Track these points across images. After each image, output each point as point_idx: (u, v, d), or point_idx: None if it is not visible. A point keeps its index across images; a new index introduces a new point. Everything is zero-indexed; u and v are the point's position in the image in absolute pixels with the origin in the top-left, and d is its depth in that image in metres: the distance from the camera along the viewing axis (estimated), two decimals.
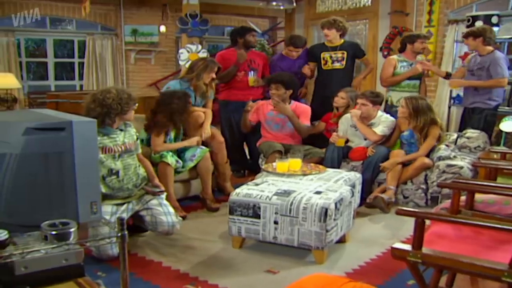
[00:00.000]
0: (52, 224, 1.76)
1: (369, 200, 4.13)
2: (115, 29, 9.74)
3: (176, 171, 3.97)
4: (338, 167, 4.34)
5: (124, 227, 1.87)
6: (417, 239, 1.97)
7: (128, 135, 3.14)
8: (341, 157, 4.46)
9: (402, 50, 5.03)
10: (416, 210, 2.06)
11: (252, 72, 5.09)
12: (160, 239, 3.33)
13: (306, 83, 5.51)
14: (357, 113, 4.46)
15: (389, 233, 3.53)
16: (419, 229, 1.97)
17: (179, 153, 4.13)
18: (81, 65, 9.67)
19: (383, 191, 4.14)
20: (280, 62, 5.25)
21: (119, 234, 1.85)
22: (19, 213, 1.81)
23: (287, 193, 3.05)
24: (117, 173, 3.01)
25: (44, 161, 1.83)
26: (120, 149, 3.05)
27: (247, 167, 5.36)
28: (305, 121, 4.69)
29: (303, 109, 4.74)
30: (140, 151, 3.31)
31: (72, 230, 1.76)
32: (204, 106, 4.56)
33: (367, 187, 4.21)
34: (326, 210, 2.89)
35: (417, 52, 4.97)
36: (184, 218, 3.78)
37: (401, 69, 4.94)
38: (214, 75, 4.45)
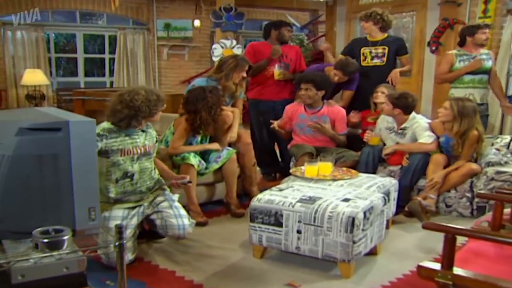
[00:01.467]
0: (45, 231, 1.74)
1: (407, 208, 3.99)
2: (147, 23, 9.85)
3: (199, 173, 3.94)
4: (374, 172, 4.21)
5: (122, 236, 1.82)
6: (447, 258, 1.84)
7: (149, 136, 3.13)
8: (377, 161, 4.32)
9: (461, 44, 4.82)
10: (446, 224, 1.93)
11: (277, 65, 5.00)
12: (176, 246, 3.30)
13: None
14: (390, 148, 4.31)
15: (426, 246, 3.37)
16: (449, 246, 1.84)
17: (203, 154, 4.10)
18: (112, 61, 9.82)
19: (423, 199, 3.98)
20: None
21: (117, 243, 1.81)
22: (11, 219, 1.80)
23: (312, 200, 2.96)
24: (132, 176, 3.00)
25: (38, 163, 1.81)
26: (139, 151, 3.03)
27: (278, 170, 5.29)
28: (341, 127, 4.60)
29: (338, 114, 4.62)
30: (155, 153, 3.30)
31: (65, 238, 1.73)
32: (233, 106, 4.52)
33: (405, 194, 4.06)
34: (353, 219, 2.78)
35: (479, 44, 4.74)
36: (205, 224, 3.77)
37: (460, 63, 4.73)
38: (244, 74, 4.40)
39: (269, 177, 5.25)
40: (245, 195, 4.34)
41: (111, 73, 9.88)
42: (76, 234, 1.87)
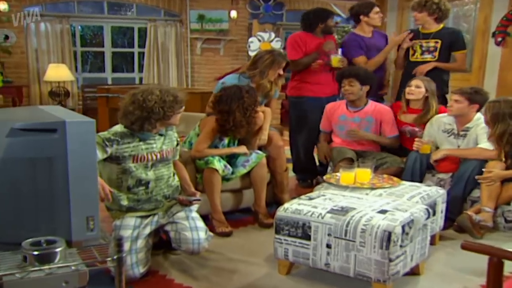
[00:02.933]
0: (37, 242, 1.74)
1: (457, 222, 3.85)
2: (179, 14, 9.93)
3: (225, 179, 3.91)
4: (420, 181, 4.08)
5: (122, 248, 1.81)
6: (492, 286, 1.72)
7: (167, 140, 3.10)
8: (424, 168, 4.18)
9: None
10: (490, 245, 1.81)
11: (340, 50, 4.94)
12: (195, 258, 3.28)
13: (387, 76, 5.26)
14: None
15: (478, 267, 3.20)
16: (494, 272, 1.72)
17: (230, 158, 4.08)
18: (142, 55, 9.94)
19: (477, 213, 3.83)
20: (351, 40, 5.06)
21: (115, 257, 1.79)
22: (0, 229, 1.80)
23: (344, 210, 2.88)
24: (146, 184, 2.98)
25: (31, 167, 1.82)
26: (154, 158, 3.00)
27: (316, 176, 5.22)
28: (389, 129, 4.51)
29: (385, 114, 4.51)
30: (177, 157, 3.28)
31: (58, 250, 1.73)
32: (266, 106, 4.49)
33: (456, 206, 3.91)
34: (390, 234, 2.68)
35: None
36: (229, 234, 3.75)
37: None
38: (281, 72, 4.36)
39: (304, 184, 5.20)
40: (275, 204, 4.28)
41: (141, 68, 10.01)
42: (72, 246, 1.85)
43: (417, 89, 4.42)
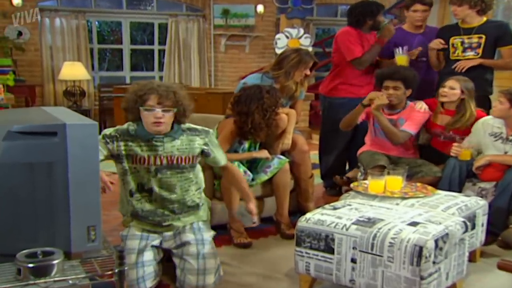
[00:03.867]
0: (33, 253, 1.74)
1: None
2: (202, 9, 9.98)
3: None
4: (459, 190, 3.99)
5: (123, 261, 1.80)
6: None
7: (185, 146, 2.95)
8: (464, 177, 4.09)
9: None
10: None
11: (401, 48, 4.82)
12: None
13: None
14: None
15: None
16: None
17: (251, 163, 4.07)
18: (162, 53, 10.01)
19: None
20: (396, 37, 4.99)
21: (117, 270, 1.78)
22: None
23: (370, 222, 2.84)
24: (149, 190, 2.92)
25: (29, 173, 1.82)
26: (159, 162, 2.88)
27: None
28: (408, 124, 4.41)
29: (414, 112, 4.44)
30: (222, 162, 3.19)
31: (55, 262, 1.73)
32: (291, 107, 4.47)
33: (499, 219, 3.80)
34: (421, 248, 2.63)
35: None
36: (248, 246, 3.74)
37: None
38: (308, 72, 4.33)
39: (332, 191, 5.17)
40: (299, 213, 4.25)
41: (161, 67, 10.09)
42: (72, 258, 1.86)
43: (451, 90, 4.31)
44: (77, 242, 1.87)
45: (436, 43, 4.76)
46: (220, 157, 3.16)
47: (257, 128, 3.86)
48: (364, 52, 4.86)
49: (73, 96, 8.94)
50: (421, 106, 4.45)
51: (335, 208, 3.10)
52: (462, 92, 4.29)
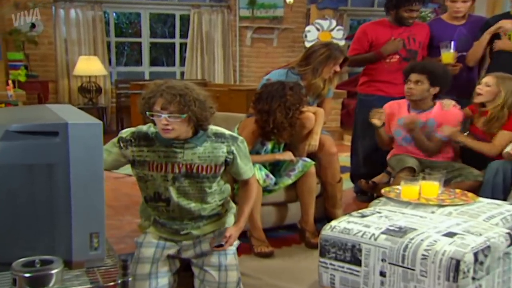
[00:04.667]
0: (30, 262, 1.74)
1: None
2: (227, 0, 9.98)
3: (266, 190, 3.90)
4: (504, 198, 3.92)
5: (127, 272, 1.79)
6: None
7: (207, 154, 2.87)
8: (509, 183, 4.02)
9: None
10: None
11: (453, 42, 4.76)
12: None
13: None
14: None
15: None
16: None
17: (274, 166, 4.06)
18: (184, 47, 10.05)
19: None
20: (435, 29, 4.97)
21: (120, 281, 1.78)
22: None
23: (402, 231, 2.79)
24: (166, 200, 2.89)
25: (27, 175, 1.82)
26: (177, 170, 2.83)
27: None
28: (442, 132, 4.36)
29: (450, 117, 4.37)
30: (245, 176, 3.06)
31: (53, 272, 1.72)
32: (318, 106, 4.46)
33: None
34: (458, 262, 2.57)
35: None
36: (269, 255, 3.74)
37: None
38: (338, 68, 4.31)
39: (363, 198, 5.14)
40: (326, 220, 4.22)
41: (182, 61, 10.12)
42: (73, 267, 1.85)
43: (486, 87, 4.24)
44: (79, 250, 1.86)
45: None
46: (245, 170, 3.03)
47: (280, 127, 3.83)
48: (360, 53, 4.92)
49: (88, 92, 9.02)
50: (449, 104, 4.38)
51: (363, 216, 3.06)
52: (500, 90, 4.19)
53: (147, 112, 2.69)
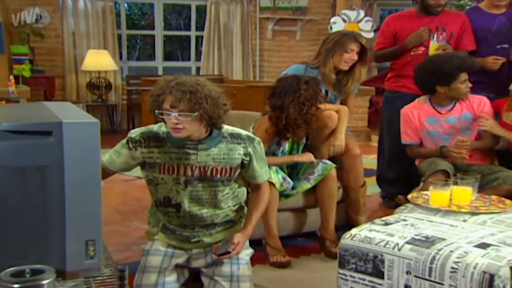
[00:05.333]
0: (20, 272, 1.74)
1: None
2: None
3: (283, 195, 3.89)
4: None
5: (124, 283, 1.79)
6: None
7: (222, 156, 2.87)
8: None
9: None
10: None
11: (435, 35, 4.76)
12: None
13: None
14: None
15: None
16: None
17: (292, 169, 4.05)
18: (200, 40, 10.06)
19: None
20: (472, 19, 4.91)
21: None
22: None
23: (429, 241, 2.75)
24: (177, 205, 2.89)
25: (19, 178, 1.83)
26: (190, 173, 2.83)
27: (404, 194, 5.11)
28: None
29: (482, 105, 4.33)
30: (260, 180, 3.05)
31: (44, 282, 1.72)
32: (342, 103, 4.46)
33: None
34: (492, 277, 2.52)
35: None
36: (286, 265, 3.72)
37: None
38: (354, 57, 4.27)
39: (390, 204, 5.10)
40: (349, 228, 4.19)
41: (198, 56, 10.13)
42: (66, 277, 1.85)
43: None
44: (73, 259, 1.87)
45: None
46: (260, 173, 3.03)
47: (293, 124, 3.81)
48: (385, 47, 4.92)
49: (97, 89, 9.08)
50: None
51: (386, 224, 3.02)
52: None
53: (156, 111, 2.69)
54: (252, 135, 2.99)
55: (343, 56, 4.22)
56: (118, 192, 5.57)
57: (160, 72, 9.95)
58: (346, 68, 4.27)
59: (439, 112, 4.38)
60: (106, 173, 2.87)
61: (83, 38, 9.25)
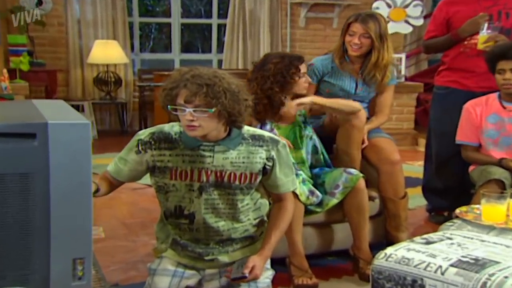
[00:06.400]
0: None
1: None
2: None
3: (307, 210, 3.84)
4: None
5: None
6: None
7: (241, 158, 2.87)
8: None
9: None
10: None
11: (486, 25, 4.67)
12: None
13: None
14: None
15: None
16: None
17: (316, 178, 4.02)
18: (222, 29, 10.07)
19: None
20: None
21: None
22: None
23: (479, 264, 2.71)
24: (190, 216, 2.88)
25: None
26: (204, 178, 2.83)
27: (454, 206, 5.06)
28: None
29: None
30: (283, 189, 3.04)
31: None
32: (376, 99, 4.47)
33: None
34: None
35: None
36: None
37: None
38: (356, 40, 4.20)
39: (438, 218, 5.04)
40: (388, 246, 4.16)
41: (221, 47, 10.14)
42: None
43: None
44: (58, 280, 1.88)
45: None
46: (284, 182, 3.01)
47: (256, 100, 3.77)
48: (436, 35, 4.89)
49: (106, 85, 9.13)
50: None
51: (428, 242, 3.00)
52: None
53: (169, 106, 2.70)
54: (276, 137, 2.98)
55: (347, 39, 4.27)
56: (125, 202, 5.59)
57: (176, 65, 9.96)
58: (354, 53, 4.27)
59: (504, 107, 4.32)
60: (113, 184, 2.90)
61: (90, 27, 9.33)
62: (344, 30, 4.29)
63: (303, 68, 3.89)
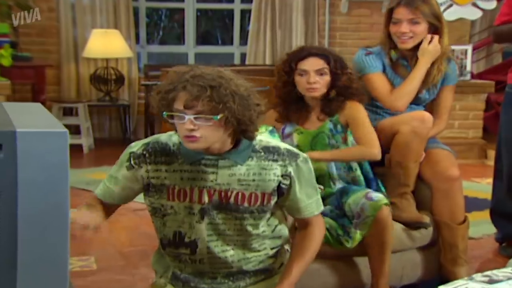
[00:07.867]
0: None
1: None
2: None
3: (337, 240, 3.86)
4: None
5: None
6: None
7: (252, 175, 2.84)
8: None
9: None
10: None
11: None
12: None
13: None
14: None
15: None
16: None
17: (342, 194, 4.00)
18: (247, 16, 10.09)
19: None
20: None
21: None
22: None
23: None
24: (192, 244, 2.88)
25: None
26: (206, 199, 2.82)
27: None
28: None
29: None
30: (306, 213, 3.01)
31: None
32: (436, 102, 4.46)
33: None
34: None
35: None
36: None
37: None
38: (403, 29, 4.16)
39: (510, 251, 5.01)
40: (442, 284, 4.15)
41: (244, 38, 10.15)
42: None
43: None
44: None
45: None
46: (307, 204, 2.98)
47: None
48: (510, 21, 4.83)
49: (105, 83, 9.17)
50: None
51: (492, 281, 2.96)
52: None
53: (164, 113, 2.68)
54: (295, 150, 2.94)
55: (392, 29, 4.24)
56: (123, 226, 5.61)
57: (191, 60, 9.99)
58: (404, 46, 4.23)
59: None
60: (106, 209, 2.91)
61: (86, 14, 9.41)
62: (386, 19, 4.26)
63: (305, 65, 3.91)
